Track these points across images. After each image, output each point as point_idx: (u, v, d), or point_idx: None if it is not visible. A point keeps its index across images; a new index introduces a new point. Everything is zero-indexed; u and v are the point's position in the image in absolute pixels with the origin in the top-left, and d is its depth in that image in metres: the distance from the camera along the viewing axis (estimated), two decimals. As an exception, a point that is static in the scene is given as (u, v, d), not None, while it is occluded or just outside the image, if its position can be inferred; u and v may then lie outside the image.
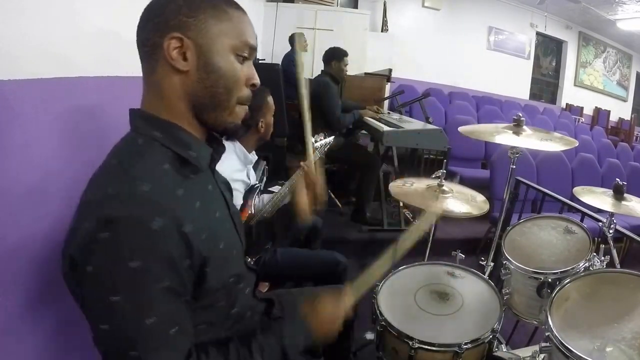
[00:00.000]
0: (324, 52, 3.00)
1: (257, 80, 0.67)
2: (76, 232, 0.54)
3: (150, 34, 0.60)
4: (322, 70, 2.98)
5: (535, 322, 1.20)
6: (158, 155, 0.60)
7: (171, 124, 0.63)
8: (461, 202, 1.31)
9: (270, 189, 1.59)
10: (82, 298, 0.56)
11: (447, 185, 1.36)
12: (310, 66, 4.73)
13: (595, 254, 1.12)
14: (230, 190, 0.83)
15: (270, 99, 1.49)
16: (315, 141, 1.71)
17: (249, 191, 1.39)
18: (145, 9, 0.61)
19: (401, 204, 2.88)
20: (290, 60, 4.19)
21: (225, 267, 0.66)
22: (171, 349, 0.57)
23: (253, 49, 0.65)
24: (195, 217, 0.60)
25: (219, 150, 0.73)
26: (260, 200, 1.48)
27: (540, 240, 1.27)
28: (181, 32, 0.59)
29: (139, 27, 0.61)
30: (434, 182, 1.39)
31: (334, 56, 2.91)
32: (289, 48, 4.44)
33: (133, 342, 0.54)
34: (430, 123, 2.87)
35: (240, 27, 0.63)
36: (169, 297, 0.56)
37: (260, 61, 4.52)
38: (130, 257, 0.52)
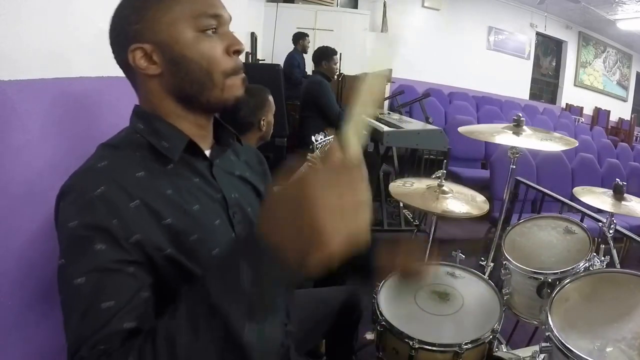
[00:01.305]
0: (312, 53, 3.00)
1: (238, 45, 0.63)
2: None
3: (118, 54, 0.62)
4: (313, 70, 3.00)
5: (535, 322, 1.20)
6: (133, 144, 0.62)
7: (155, 116, 0.64)
8: (461, 202, 1.32)
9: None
10: None
11: (447, 186, 1.37)
12: (311, 66, 4.73)
13: (595, 254, 1.12)
14: (253, 185, 0.79)
15: (270, 98, 1.50)
16: (316, 140, 1.72)
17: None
18: (108, 34, 0.62)
19: (401, 205, 2.88)
20: (292, 60, 4.19)
21: (200, 262, 0.62)
22: (98, 322, 0.50)
23: (218, 16, 0.62)
24: (156, 200, 0.59)
25: (224, 143, 0.72)
26: None
27: (540, 240, 1.28)
28: (137, 40, 0.59)
29: (112, 51, 0.63)
30: (434, 183, 1.39)
31: (323, 56, 2.93)
32: (288, 48, 4.45)
33: (64, 305, 0.54)
34: (430, 123, 2.87)
35: (192, 4, 0.60)
36: (104, 264, 0.53)
37: (260, 61, 4.52)
38: (69, 219, 0.54)
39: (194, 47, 0.60)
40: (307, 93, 2.88)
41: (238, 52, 0.64)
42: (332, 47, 2.98)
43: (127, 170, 0.59)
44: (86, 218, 0.54)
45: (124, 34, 0.60)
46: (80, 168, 0.60)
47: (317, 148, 1.68)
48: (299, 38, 4.35)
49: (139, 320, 0.52)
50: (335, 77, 3.14)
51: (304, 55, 4.41)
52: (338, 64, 2.99)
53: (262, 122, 1.44)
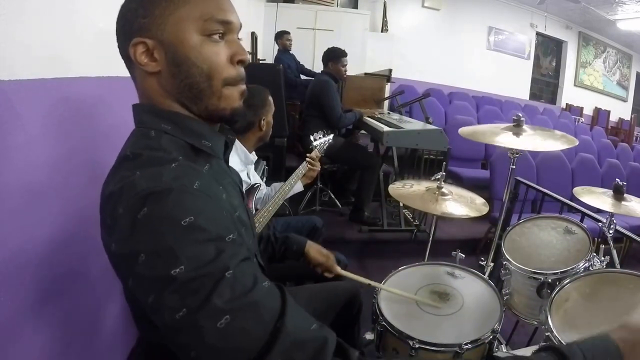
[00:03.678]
0: (323, 53, 3.00)
1: (242, 55, 0.61)
2: (113, 226, 0.51)
3: (122, 47, 0.60)
4: (321, 70, 2.98)
5: (535, 322, 1.20)
6: (173, 146, 0.59)
7: (180, 115, 0.61)
8: (460, 204, 1.31)
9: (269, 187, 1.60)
10: (142, 290, 0.50)
11: (446, 188, 1.36)
12: (311, 66, 4.73)
13: (595, 254, 1.12)
14: (240, 182, 0.82)
15: (270, 99, 1.50)
16: (315, 139, 1.72)
17: (250, 190, 1.39)
18: (115, 23, 0.61)
19: (401, 205, 2.88)
20: (280, 63, 4.15)
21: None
22: (263, 299, 0.50)
23: (227, 23, 0.60)
24: (223, 194, 0.59)
25: (231, 140, 0.72)
26: (272, 189, 1.51)
27: (540, 240, 1.28)
28: (141, 35, 0.57)
29: (117, 40, 0.61)
30: (433, 185, 1.38)
31: (330, 58, 2.91)
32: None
33: (213, 312, 0.46)
34: (430, 123, 2.87)
35: (202, 6, 0.58)
36: (241, 251, 0.52)
37: (260, 61, 4.52)
38: (179, 217, 0.48)
39: (197, 51, 0.58)
40: (313, 92, 2.86)
41: (242, 62, 0.62)
42: (342, 48, 2.94)
43: (196, 169, 0.57)
44: (204, 211, 0.50)
45: (128, 26, 0.58)
46: (149, 171, 0.52)
47: (314, 147, 1.68)
48: (278, 37, 4.26)
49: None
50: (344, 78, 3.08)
51: (292, 52, 4.34)
52: (346, 66, 2.94)
53: (262, 122, 1.44)
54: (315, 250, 1.13)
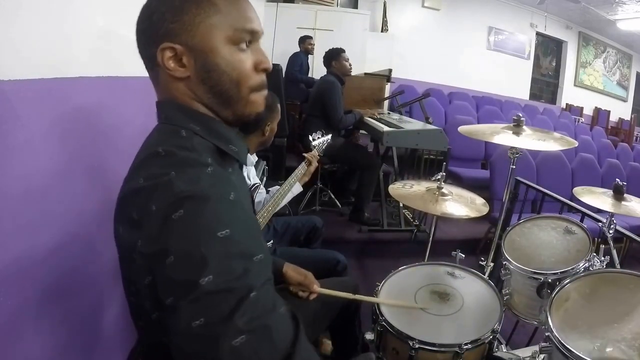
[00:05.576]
0: (323, 55, 3.00)
1: (267, 64, 0.63)
2: (141, 222, 0.51)
3: (145, 48, 0.60)
4: (327, 72, 2.98)
5: (535, 323, 1.20)
6: (203, 148, 0.59)
7: (210, 118, 0.62)
8: (460, 204, 1.31)
9: (269, 189, 1.59)
10: (163, 290, 0.49)
11: (446, 188, 1.36)
12: (311, 65, 4.73)
13: (595, 254, 1.12)
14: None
15: (278, 106, 1.49)
16: (314, 139, 1.72)
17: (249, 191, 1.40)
18: (137, 22, 0.60)
19: (401, 205, 2.88)
20: (296, 59, 4.32)
21: None
22: (279, 325, 0.50)
23: (254, 32, 0.61)
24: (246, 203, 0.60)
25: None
26: (270, 193, 1.51)
27: (540, 240, 1.28)
28: (170, 40, 0.57)
29: (137, 40, 0.61)
30: (433, 185, 1.38)
31: (331, 57, 2.91)
32: (288, 48, 4.48)
33: (232, 330, 0.45)
34: (430, 123, 2.87)
35: (232, 15, 0.58)
36: (265, 272, 0.52)
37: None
38: (215, 228, 0.48)
39: (226, 59, 0.59)
40: (317, 92, 2.86)
41: (265, 70, 0.64)
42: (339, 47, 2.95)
43: (229, 176, 0.58)
44: (239, 225, 0.51)
45: (155, 30, 0.57)
46: (186, 172, 0.52)
47: (314, 147, 1.68)
48: (301, 41, 4.45)
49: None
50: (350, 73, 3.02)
51: (309, 56, 4.51)
52: (349, 61, 2.93)
53: (266, 127, 1.44)
54: (292, 270, 1.14)
